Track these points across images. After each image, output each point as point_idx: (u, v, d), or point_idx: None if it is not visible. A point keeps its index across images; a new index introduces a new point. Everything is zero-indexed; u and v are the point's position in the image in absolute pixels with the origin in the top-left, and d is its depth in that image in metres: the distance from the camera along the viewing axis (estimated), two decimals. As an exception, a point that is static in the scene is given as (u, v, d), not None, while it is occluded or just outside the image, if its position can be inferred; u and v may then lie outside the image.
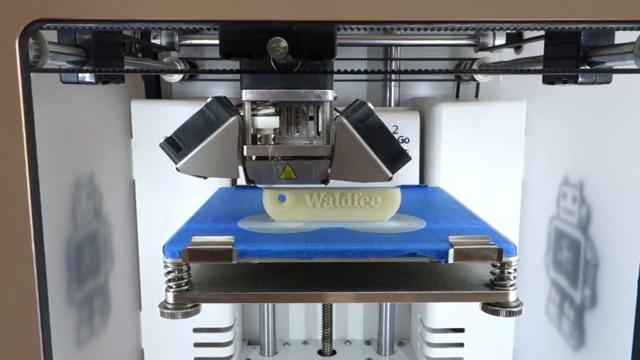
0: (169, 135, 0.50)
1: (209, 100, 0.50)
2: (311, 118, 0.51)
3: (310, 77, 0.49)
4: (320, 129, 0.51)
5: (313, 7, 0.38)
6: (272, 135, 0.50)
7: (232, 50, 0.42)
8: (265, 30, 0.41)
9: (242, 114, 0.50)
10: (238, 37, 0.42)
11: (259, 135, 0.50)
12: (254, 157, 0.51)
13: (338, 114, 0.51)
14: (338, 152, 0.50)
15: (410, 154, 0.51)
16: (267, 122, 0.49)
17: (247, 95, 0.49)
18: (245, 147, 0.50)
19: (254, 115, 0.49)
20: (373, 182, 0.51)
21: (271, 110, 0.50)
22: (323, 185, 0.56)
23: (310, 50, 0.42)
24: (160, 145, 0.50)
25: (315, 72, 0.48)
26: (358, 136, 0.49)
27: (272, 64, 0.44)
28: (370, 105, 0.51)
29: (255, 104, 0.49)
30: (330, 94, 0.49)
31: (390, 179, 0.51)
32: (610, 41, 0.50)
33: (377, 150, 0.50)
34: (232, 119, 0.49)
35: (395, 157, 0.51)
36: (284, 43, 0.40)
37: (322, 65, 0.47)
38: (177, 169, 0.50)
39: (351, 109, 0.51)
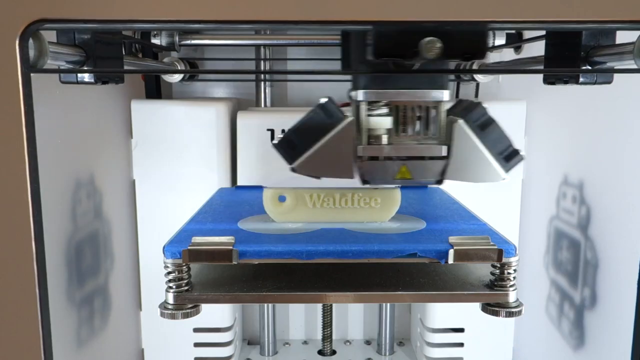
0: (282, 135, 0.50)
1: (322, 100, 0.50)
2: (421, 117, 0.51)
3: (427, 77, 0.49)
4: (435, 129, 0.51)
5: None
6: (385, 136, 0.50)
7: (385, 51, 0.42)
8: (419, 31, 0.40)
9: (346, 114, 0.50)
10: (391, 37, 0.41)
11: (371, 136, 0.50)
12: (367, 158, 0.51)
13: (450, 114, 0.51)
14: (453, 153, 0.49)
15: (523, 154, 0.51)
16: (380, 122, 0.49)
17: (363, 95, 0.49)
18: (360, 147, 0.49)
19: (368, 115, 0.49)
20: (487, 182, 0.51)
21: (385, 110, 0.49)
22: (323, 186, 0.56)
23: (463, 50, 0.42)
24: (274, 145, 0.50)
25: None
26: (474, 137, 0.49)
27: (390, 64, 0.44)
28: (485, 105, 0.51)
29: (370, 104, 0.49)
30: (446, 94, 0.49)
31: (504, 179, 0.51)
32: (611, 41, 0.50)
33: (491, 150, 0.50)
34: (349, 119, 0.49)
35: (509, 156, 0.51)
36: (439, 43, 0.40)
37: (438, 65, 0.48)
38: (292, 169, 0.49)
39: (464, 108, 0.51)
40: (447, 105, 0.50)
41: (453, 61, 0.48)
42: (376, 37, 0.42)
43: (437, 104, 0.50)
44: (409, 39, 0.41)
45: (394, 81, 0.49)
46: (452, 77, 0.97)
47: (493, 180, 0.50)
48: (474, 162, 0.50)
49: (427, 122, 0.51)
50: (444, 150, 0.50)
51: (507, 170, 0.51)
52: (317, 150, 0.49)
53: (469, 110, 0.50)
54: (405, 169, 0.51)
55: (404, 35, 0.41)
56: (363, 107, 0.49)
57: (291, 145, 0.49)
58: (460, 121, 0.49)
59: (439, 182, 0.52)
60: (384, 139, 0.50)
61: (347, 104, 0.52)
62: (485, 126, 0.50)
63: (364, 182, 0.51)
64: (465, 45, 0.42)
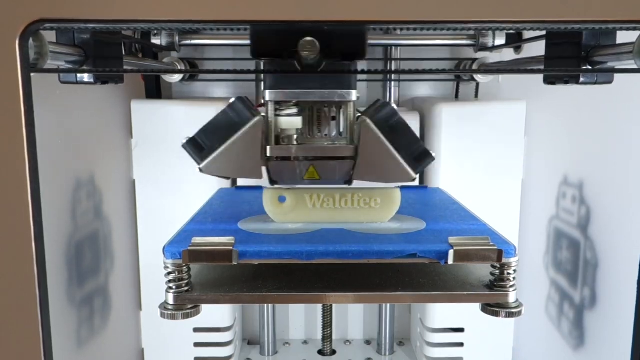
0: (190, 136, 0.50)
1: (231, 100, 0.49)
2: (333, 118, 0.51)
3: (334, 77, 0.49)
4: (343, 129, 0.51)
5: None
6: (295, 136, 0.50)
7: (263, 51, 0.42)
8: (296, 31, 0.40)
9: (263, 114, 0.50)
10: (269, 37, 0.41)
11: (281, 136, 0.50)
12: (276, 158, 0.50)
13: (360, 114, 0.51)
14: (362, 153, 0.49)
15: (434, 154, 0.51)
16: (290, 122, 0.49)
17: (270, 95, 0.49)
18: (268, 147, 0.49)
19: (277, 115, 0.49)
20: (397, 182, 0.51)
21: (294, 110, 0.49)
22: (323, 186, 0.56)
23: (341, 51, 0.42)
24: (183, 146, 0.49)
25: (333, 72, 0.48)
26: (382, 137, 0.49)
27: (297, 64, 0.44)
28: (394, 105, 0.51)
29: (279, 104, 0.49)
30: (353, 94, 0.49)
31: (413, 179, 0.51)
32: (612, 41, 0.50)
33: (400, 150, 0.49)
34: (256, 119, 0.48)
35: (419, 157, 0.50)
36: (316, 43, 0.40)
37: (345, 65, 0.47)
38: (200, 169, 0.49)
39: (374, 109, 0.51)
40: (354, 106, 0.50)
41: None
42: (253, 36, 0.41)
43: (345, 103, 0.50)
44: (287, 39, 0.40)
45: (302, 81, 0.48)
46: (451, 77, 0.97)
47: (402, 180, 0.50)
48: (382, 162, 0.50)
49: (337, 122, 0.51)
50: (351, 151, 0.50)
51: (417, 171, 0.50)
52: (225, 151, 0.48)
53: (378, 111, 0.50)
54: (313, 169, 0.51)
55: (282, 35, 0.41)
56: (271, 107, 0.49)
57: (199, 146, 0.49)
58: (367, 120, 0.49)
59: (348, 182, 0.52)
60: (293, 139, 0.50)
61: (261, 105, 0.51)
62: (394, 126, 0.50)
63: (272, 182, 0.51)
64: (344, 45, 0.42)
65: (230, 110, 0.49)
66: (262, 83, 0.49)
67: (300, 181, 0.51)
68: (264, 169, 0.51)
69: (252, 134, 0.48)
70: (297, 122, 0.49)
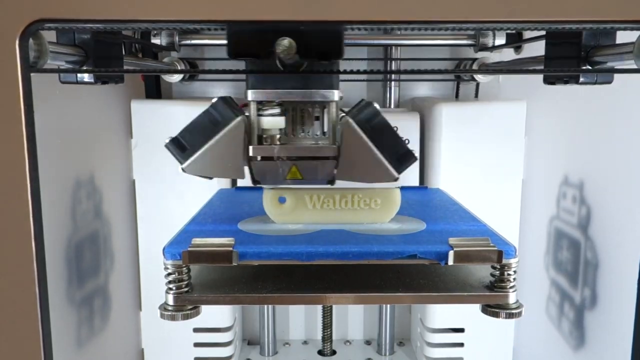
0: (173, 135, 0.50)
1: (214, 100, 0.50)
2: (317, 118, 0.51)
3: (316, 77, 0.48)
4: (326, 129, 0.51)
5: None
6: (278, 136, 0.50)
7: (240, 50, 0.42)
8: (273, 30, 0.40)
9: (247, 114, 0.50)
10: (245, 37, 0.41)
11: (264, 136, 0.50)
12: (259, 158, 0.50)
13: (343, 114, 0.51)
14: (344, 153, 0.49)
15: (416, 154, 0.51)
16: (273, 122, 0.49)
17: (252, 95, 0.48)
18: (251, 147, 0.49)
19: (259, 115, 0.49)
20: (379, 182, 0.51)
21: (277, 110, 0.49)
22: (323, 186, 0.56)
23: (318, 50, 0.42)
24: (165, 146, 0.49)
25: (320, 72, 0.48)
26: (364, 136, 0.49)
27: (278, 64, 0.44)
28: (376, 105, 0.51)
29: (261, 104, 0.49)
30: (336, 94, 0.49)
31: (396, 179, 0.51)
32: (611, 41, 0.50)
33: (383, 150, 0.49)
34: (238, 119, 0.48)
35: (402, 157, 0.50)
36: (292, 43, 0.40)
37: (328, 65, 0.47)
38: (182, 169, 0.49)
39: (357, 109, 0.51)
40: (336, 105, 0.50)
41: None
42: (230, 36, 0.42)
43: (327, 103, 0.50)
44: (263, 39, 0.40)
45: (284, 81, 0.48)
46: (452, 77, 0.97)
47: (385, 180, 0.50)
48: (365, 162, 0.49)
49: (319, 122, 0.51)
50: (334, 150, 0.50)
51: (399, 171, 0.50)
52: (207, 150, 0.48)
53: (361, 110, 0.50)
54: (295, 169, 0.51)
55: (259, 35, 0.41)
56: (253, 107, 0.49)
57: (181, 146, 0.49)
58: (350, 120, 0.49)
59: (331, 182, 0.52)
60: (275, 139, 0.50)
61: (245, 104, 0.51)
62: (376, 126, 0.50)
63: (255, 182, 0.51)
64: (320, 45, 0.42)
65: (213, 109, 0.49)
66: (245, 83, 0.49)
67: (283, 181, 0.51)
68: (246, 168, 0.51)
69: (235, 134, 0.48)
70: (279, 122, 0.49)
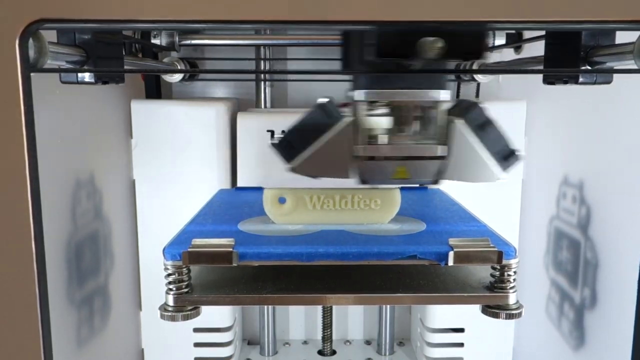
0: (280, 136, 0.50)
1: (320, 101, 0.50)
2: (419, 117, 0.51)
3: (426, 77, 0.49)
4: (433, 129, 0.51)
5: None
6: (385, 136, 0.50)
7: (388, 51, 0.42)
8: (420, 31, 0.40)
9: (346, 114, 0.50)
10: (393, 37, 0.41)
11: (371, 136, 0.50)
12: (366, 158, 0.50)
13: (450, 115, 0.51)
14: (452, 153, 0.50)
15: (520, 154, 0.51)
16: (379, 122, 0.49)
17: (361, 95, 0.49)
18: (358, 147, 0.49)
19: (367, 115, 0.49)
20: (485, 182, 0.51)
21: (384, 110, 0.50)
22: (323, 186, 0.56)
23: (463, 50, 0.42)
24: (273, 145, 0.50)
25: (426, 71, 0.48)
26: (472, 137, 0.49)
27: (390, 64, 0.44)
28: (483, 105, 0.51)
29: (369, 104, 0.49)
30: (445, 94, 0.49)
31: (501, 179, 0.51)
32: (611, 41, 0.50)
33: (489, 150, 0.50)
34: (347, 119, 0.49)
35: (507, 157, 0.51)
36: (440, 43, 0.40)
37: (438, 65, 0.47)
38: (291, 169, 0.50)
39: (462, 109, 0.51)
40: (446, 106, 0.50)
41: (453, 61, 0.48)
42: (378, 37, 0.42)
43: (436, 104, 0.50)
44: (411, 39, 0.41)
45: (393, 81, 0.49)
46: (452, 77, 0.97)
47: (490, 180, 0.51)
48: (472, 163, 0.50)
49: (426, 122, 0.51)
50: (442, 150, 0.50)
51: (504, 170, 0.51)
52: (316, 151, 0.49)
53: (468, 111, 0.50)
54: (403, 168, 0.51)
55: (406, 35, 0.41)
56: (362, 107, 0.49)
57: (290, 146, 0.49)
58: (459, 121, 0.49)
59: (436, 182, 0.52)
60: (383, 139, 0.50)
61: (346, 104, 0.51)
62: (483, 126, 0.50)
63: (363, 181, 0.51)
64: (465, 45, 0.42)
65: (319, 110, 0.49)
66: (352, 83, 0.49)
67: (389, 181, 0.51)
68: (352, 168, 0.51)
69: (343, 134, 0.49)
70: (386, 121, 0.50)
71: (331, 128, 0.49)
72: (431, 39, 0.40)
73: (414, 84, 0.49)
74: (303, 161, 0.49)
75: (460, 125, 0.49)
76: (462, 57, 0.43)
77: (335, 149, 0.49)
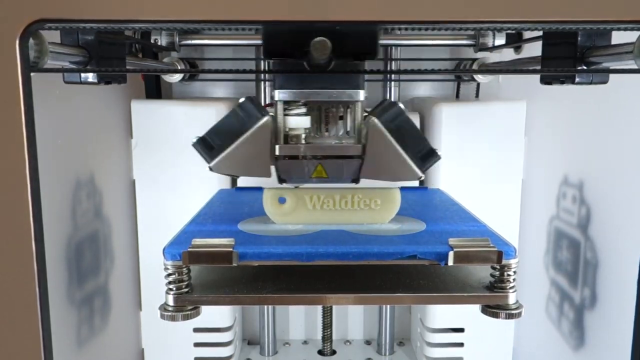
0: (201, 135, 0.50)
1: (241, 100, 0.50)
2: (341, 117, 0.52)
3: (342, 77, 0.49)
4: (350, 129, 0.51)
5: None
6: (303, 135, 0.51)
7: (275, 50, 0.42)
8: (309, 31, 0.41)
9: (271, 113, 0.50)
10: (281, 37, 0.42)
11: (290, 135, 0.51)
12: (285, 157, 0.51)
13: (367, 114, 0.51)
14: (369, 152, 0.50)
15: (440, 153, 0.51)
16: (298, 121, 0.50)
17: (280, 95, 0.49)
18: (277, 146, 0.50)
19: (285, 115, 0.50)
20: (404, 181, 0.51)
21: (302, 110, 0.50)
22: (323, 187, 0.56)
23: (353, 51, 0.42)
24: (193, 145, 0.50)
25: (344, 72, 0.48)
26: (389, 136, 0.50)
27: (305, 64, 0.44)
28: (400, 105, 0.51)
29: (287, 104, 0.50)
30: (362, 94, 0.50)
31: (421, 178, 0.51)
32: (606, 42, 0.50)
33: (407, 149, 0.50)
34: (265, 118, 0.49)
35: (426, 156, 0.51)
36: (328, 43, 0.40)
37: (353, 65, 0.48)
38: (210, 168, 0.50)
39: (381, 109, 0.52)
40: (362, 105, 0.50)
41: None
42: (267, 36, 0.42)
43: (353, 103, 0.50)
44: (299, 39, 0.41)
45: (310, 81, 0.49)
46: (452, 77, 0.97)
47: (409, 179, 0.51)
48: (390, 161, 0.50)
49: (346, 121, 0.51)
50: (359, 150, 0.50)
51: (423, 170, 0.51)
52: (234, 150, 0.49)
53: (385, 110, 0.51)
54: (321, 167, 0.51)
55: (295, 35, 0.41)
56: (280, 107, 0.49)
57: (209, 145, 0.50)
58: (375, 120, 0.49)
59: (355, 181, 0.52)
60: (302, 139, 0.50)
61: (270, 105, 0.52)
62: (401, 125, 0.50)
63: (281, 180, 0.52)
64: (355, 45, 0.42)
65: (239, 109, 0.50)
66: (272, 83, 0.50)
67: (308, 180, 0.52)
68: (272, 167, 0.51)
69: (262, 133, 0.49)
70: (305, 121, 0.50)
71: (250, 127, 0.49)
72: (319, 39, 0.40)
73: (331, 83, 0.49)
74: (221, 160, 0.49)
75: (376, 124, 0.49)
76: (352, 57, 0.43)
77: (253, 148, 0.49)
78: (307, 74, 0.47)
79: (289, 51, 0.42)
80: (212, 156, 0.50)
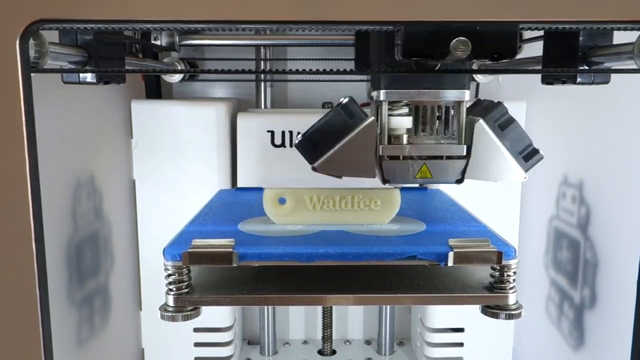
0: (305, 134, 0.50)
1: (343, 101, 0.50)
2: (438, 117, 0.52)
3: (449, 77, 0.49)
4: (455, 129, 0.51)
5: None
6: (406, 135, 0.51)
7: (415, 51, 0.42)
8: (449, 31, 0.41)
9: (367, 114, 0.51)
10: (422, 37, 0.41)
11: (392, 135, 0.51)
12: (388, 157, 0.51)
13: (470, 114, 0.51)
14: (474, 152, 0.50)
15: (542, 153, 0.52)
16: (401, 122, 0.50)
17: (384, 95, 0.49)
18: (381, 146, 0.50)
19: (390, 115, 0.50)
20: (507, 181, 0.52)
21: (405, 110, 0.50)
22: (323, 187, 0.56)
23: (492, 50, 0.42)
24: (296, 145, 0.50)
25: (448, 71, 0.48)
26: (495, 138, 0.50)
27: (412, 64, 0.44)
28: (504, 104, 0.51)
29: (391, 104, 0.50)
30: (467, 94, 0.50)
31: (525, 178, 0.51)
32: (608, 41, 0.50)
33: (511, 150, 0.51)
34: (371, 119, 0.49)
35: (529, 156, 0.51)
36: (468, 43, 0.40)
37: (461, 65, 0.48)
38: (313, 168, 0.50)
39: (483, 108, 0.52)
40: (465, 105, 0.51)
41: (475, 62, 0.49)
42: (406, 37, 0.42)
43: (458, 103, 0.50)
44: (439, 39, 0.41)
45: (415, 81, 0.49)
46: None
47: (512, 179, 0.51)
48: (494, 162, 0.51)
49: (447, 121, 0.51)
50: (464, 150, 0.50)
51: (526, 169, 0.51)
52: (339, 150, 0.49)
53: (489, 110, 0.51)
54: (425, 168, 0.51)
55: (434, 35, 0.41)
56: (384, 107, 0.50)
57: (313, 145, 0.50)
58: (481, 120, 0.50)
59: (459, 181, 0.52)
60: (405, 139, 0.51)
61: (366, 104, 0.52)
62: (505, 125, 0.51)
63: (385, 181, 0.52)
64: (494, 45, 0.42)
65: (342, 110, 0.50)
66: (371, 83, 0.50)
67: (413, 180, 0.52)
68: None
69: (367, 133, 0.49)
70: (407, 121, 0.50)
71: (354, 128, 0.49)
72: (460, 39, 0.40)
73: (436, 83, 0.49)
74: (326, 160, 0.49)
75: (482, 125, 0.50)
76: (490, 57, 0.43)
77: (358, 148, 0.49)
78: (414, 73, 0.48)
79: (429, 51, 0.42)
80: (316, 156, 0.50)
